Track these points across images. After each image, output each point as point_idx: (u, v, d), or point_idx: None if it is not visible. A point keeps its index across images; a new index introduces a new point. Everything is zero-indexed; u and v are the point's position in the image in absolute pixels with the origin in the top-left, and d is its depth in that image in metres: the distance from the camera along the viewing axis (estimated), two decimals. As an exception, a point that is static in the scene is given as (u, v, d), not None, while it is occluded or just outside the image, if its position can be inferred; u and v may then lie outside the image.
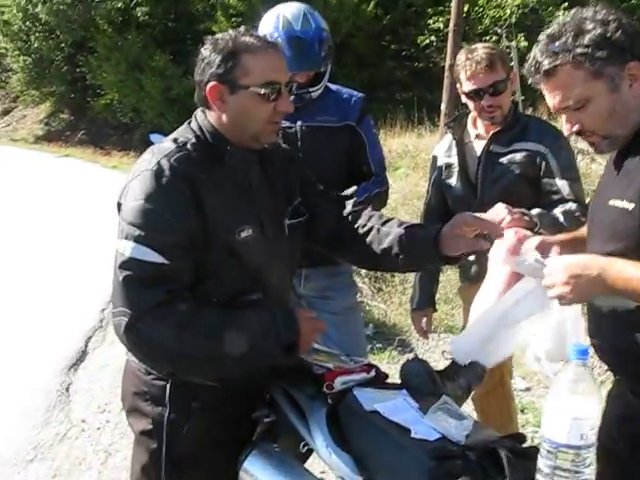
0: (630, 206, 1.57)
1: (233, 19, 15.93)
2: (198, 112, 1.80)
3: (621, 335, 1.63)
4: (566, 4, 14.07)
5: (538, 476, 1.33)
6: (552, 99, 1.64)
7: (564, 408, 1.29)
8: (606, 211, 1.68)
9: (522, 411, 3.75)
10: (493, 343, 1.87)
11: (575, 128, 1.64)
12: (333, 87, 2.84)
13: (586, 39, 1.55)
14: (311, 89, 2.69)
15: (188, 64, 17.40)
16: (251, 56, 1.70)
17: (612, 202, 1.64)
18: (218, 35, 1.78)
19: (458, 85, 2.62)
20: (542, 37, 1.63)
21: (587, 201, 2.43)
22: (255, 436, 1.82)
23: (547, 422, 1.31)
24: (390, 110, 11.74)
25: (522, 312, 1.85)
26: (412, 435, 1.54)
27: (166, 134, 1.90)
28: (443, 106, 8.53)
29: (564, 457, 1.29)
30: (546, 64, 1.59)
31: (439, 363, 4.53)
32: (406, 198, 7.43)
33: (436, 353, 4.86)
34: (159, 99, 17.44)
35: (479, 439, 1.55)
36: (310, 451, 1.82)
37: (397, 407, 1.64)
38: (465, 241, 1.84)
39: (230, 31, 1.78)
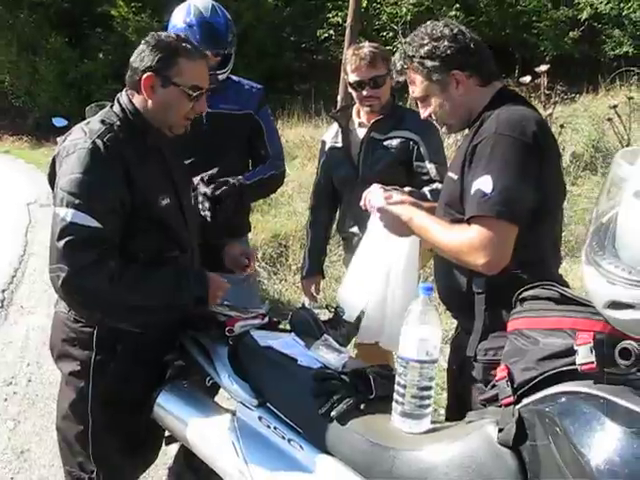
0: (455, 177, 2.01)
1: (132, 4, 15.77)
2: (122, 96, 2.07)
3: (449, 276, 2.05)
4: (457, 5, 14.79)
5: (396, 387, 1.70)
6: (410, 91, 2.12)
7: (413, 332, 1.67)
8: (446, 183, 2.13)
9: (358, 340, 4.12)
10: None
11: (426, 113, 2.12)
12: (235, 78, 3.16)
13: (422, 51, 2.03)
14: (219, 71, 2.99)
15: (85, 48, 17.09)
16: (187, 61, 2.01)
17: (449, 174, 2.10)
18: (162, 33, 2.09)
19: (345, 76, 3.00)
20: (405, 41, 2.11)
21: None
22: (167, 376, 2.12)
23: (401, 344, 1.68)
24: (288, 101, 12.01)
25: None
26: (298, 363, 1.88)
27: (68, 118, 2.19)
28: (339, 98, 8.87)
29: (414, 370, 1.66)
30: (398, 65, 2.10)
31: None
32: (302, 187, 7.67)
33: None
34: (54, 83, 16.94)
35: (353, 366, 1.91)
36: (216, 387, 2.14)
37: (287, 343, 1.99)
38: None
39: (172, 34, 2.10)
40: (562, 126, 5.04)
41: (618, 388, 1.42)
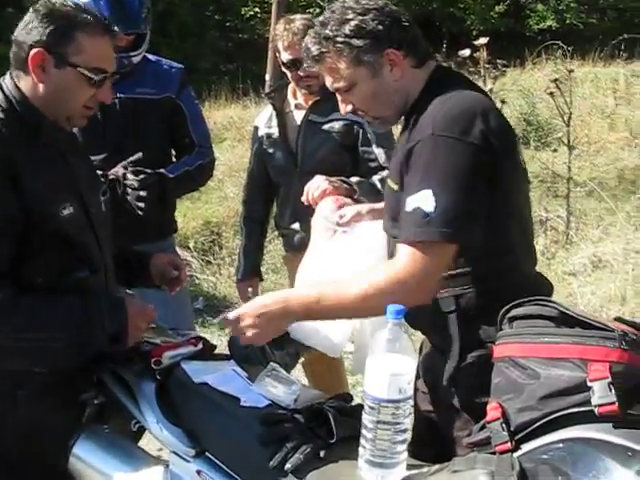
0: (395, 186, 1.69)
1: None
2: (6, 80, 1.67)
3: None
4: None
5: (363, 431, 1.40)
6: (326, 81, 1.75)
7: (382, 365, 1.36)
8: (386, 193, 1.80)
9: (352, 372, 3.90)
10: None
11: (348, 108, 1.75)
12: (152, 58, 2.76)
13: (346, 29, 1.65)
14: (132, 53, 2.59)
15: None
16: (88, 37, 1.62)
17: (388, 181, 1.76)
18: (57, 1, 1.67)
19: (278, 55, 2.65)
20: (315, 23, 1.73)
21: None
22: (84, 420, 1.76)
23: (368, 380, 1.38)
24: (214, 81, 11.59)
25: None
26: (242, 404, 1.56)
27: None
28: (268, 77, 8.58)
29: (385, 411, 1.35)
30: (314, 50, 1.69)
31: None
32: (232, 170, 7.42)
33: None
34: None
35: (307, 402, 1.60)
36: (144, 429, 1.80)
37: (226, 377, 1.66)
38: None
39: (70, 2, 1.69)
40: (503, 102, 4.84)
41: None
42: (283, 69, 2.65)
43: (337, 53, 1.67)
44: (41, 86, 1.63)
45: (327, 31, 1.66)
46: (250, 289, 3.01)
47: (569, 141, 5.33)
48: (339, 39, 1.65)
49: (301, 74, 2.59)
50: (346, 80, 1.69)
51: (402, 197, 1.60)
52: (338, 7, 1.69)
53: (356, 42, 1.65)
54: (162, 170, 2.54)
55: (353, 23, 1.65)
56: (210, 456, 1.54)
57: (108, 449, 1.68)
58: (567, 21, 14.50)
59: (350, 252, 2.02)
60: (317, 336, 1.95)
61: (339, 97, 1.75)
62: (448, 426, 1.72)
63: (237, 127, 9.27)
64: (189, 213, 6.23)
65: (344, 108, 1.75)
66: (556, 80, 4.82)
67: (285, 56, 2.59)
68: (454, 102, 1.62)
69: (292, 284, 3.01)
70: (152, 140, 2.67)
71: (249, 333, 1.59)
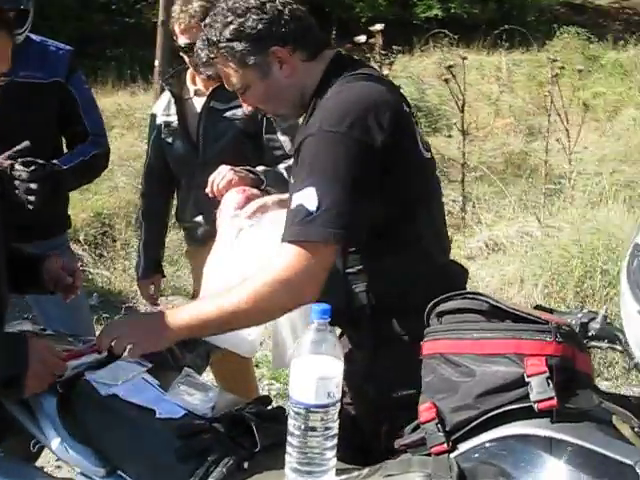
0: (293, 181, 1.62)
1: None
2: None
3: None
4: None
5: (289, 438, 1.31)
6: (225, 85, 1.71)
7: (309, 369, 1.28)
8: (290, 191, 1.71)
9: (257, 366, 3.82)
10: None
11: (249, 108, 1.75)
12: (36, 38, 2.54)
13: (227, 33, 1.60)
14: (15, 32, 2.35)
15: None
16: None
17: (291, 180, 1.67)
18: None
19: (174, 38, 2.50)
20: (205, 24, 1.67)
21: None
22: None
23: (294, 384, 1.29)
24: (101, 67, 11.12)
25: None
26: (157, 415, 1.44)
27: None
28: (157, 63, 8.24)
29: (314, 417, 1.27)
30: (203, 56, 1.66)
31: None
32: (122, 159, 7.14)
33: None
34: None
35: (225, 409, 1.50)
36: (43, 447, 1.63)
37: (136, 387, 1.53)
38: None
39: None
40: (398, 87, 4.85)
41: (583, 427, 1.13)
42: (180, 54, 2.50)
43: (223, 57, 1.63)
44: None
45: (212, 36, 1.62)
46: (152, 286, 2.85)
47: (463, 127, 5.42)
48: (222, 44, 1.61)
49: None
50: (238, 82, 1.65)
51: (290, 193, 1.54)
52: (220, 9, 1.63)
53: (238, 46, 1.60)
54: (55, 161, 2.34)
55: (232, 27, 1.60)
56: (123, 475, 1.40)
57: (5, 474, 1.51)
58: (452, 10, 14.91)
59: (258, 245, 1.92)
60: (230, 337, 1.85)
61: (240, 96, 1.70)
62: (367, 420, 1.67)
63: (125, 115, 8.98)
64: (78, 204, 5.90)
65: (245, 107, 1.75)
66: (450, 67, 4.87)
67: (182, 40, 2.44)
68: (345, 95, 1.56)
69: (196, 279, 2.88)
70: (40, 129, 2.46)
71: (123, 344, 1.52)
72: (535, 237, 4.94)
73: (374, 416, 1.66)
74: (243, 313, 1.49)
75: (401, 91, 1.79)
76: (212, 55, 1.64)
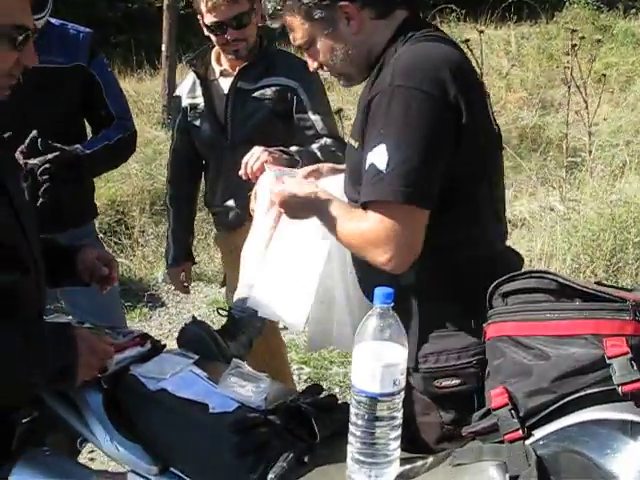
0: (356, 144, 1.56)
1: None
2: None
3: (367, 265, 1.58)
4: None
5: (352, 429, 1.25)
6: (291, 39, 1.65)
7: (373, 356, 1.22)
8: (347, 153, 1.67)
9: (307, 349, 3.76)
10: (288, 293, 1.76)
11: (314, 65, 1.66)
12: (56, 22, 2.45)
13: None
14: (36, 15, 2.26)
15: None
16: None
17: (350, 141, 1.63)
18: None
19: (199, 17, 2.41)
20: None
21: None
22: (15, 443, 1.51)
23: (357, 372, 1.23)
24: (107, 54, 11.03)
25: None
26: (210, 410, 1.38)
27: None
28: (164, 47, 8.18)
29: (380, 406, 1.22)
30: (269, 8, 1.61)
31: (196, 312, 4.42)
32: (133, 146, 7.08)
33: (188, 304, 4.73)
34: None
35: (279, 400, 1.44)
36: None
37: (185, 381, 1.47)
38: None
39: None
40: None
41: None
42: (207, 32, 2.42)
43: (290, 10, 1.57)
44: None
45: None
46: (183, 273, 2.79)
47: (481, 102, 5.30)
48: None
49: (228, 37, 2.36)
50: (304, 37, 1.59)
51: (363, 155, 1.46)
52: None
53: None
54: (77, 146, 2.28)
55: None
56: (176, 472, 1.35)
57: (54, 475, 1.46)
58: (458, -16, 14.68)
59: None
60: (279, 308, 1.79)
61: (305, 53, 1.65)
62: (408, 409, 1.61)
63: (134, 101, 8.89)
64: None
65: (311, 64, 1.66)
66: (467, 41, 4.77)
67: (209, 19, 2.35)
68: (418, 52, 1.48)
69: (226, 264, 2.82)
70: (64, 115, 2.39)
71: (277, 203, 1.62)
72: (558, 212, 4.86)
73: (415, 405, 1.58)
74: (349, 247, 1.55)
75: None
76: (278, 7, 1.58)
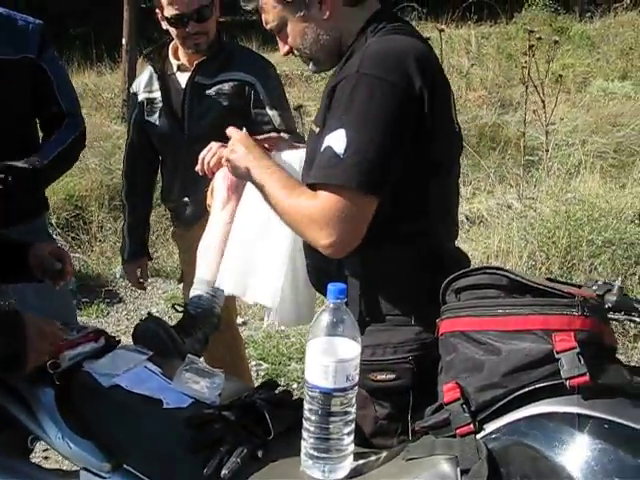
0: (317, 129, 1.56)
1: None
2: None
3: (315, 253, 1.56)
4: None
5: (305, 424, 1.26)
6: (263, 21, 1.64)
7: (326, 352, 1.22)
8: (309, 138, 1.67)
9: (278, 324, 3.74)
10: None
11: (284, 49, 1.65)
12: (2, 11, 2.34)
13: None
14: None
15: None
16: None
17: (312, 127, 1.63)
18: None
19: (158, 11, 2.38)
20: None
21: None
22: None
23: (311, 368, 1.23)
24: (65, 46, 10.84)
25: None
26: (164, 406, 1.37)
27: None
28: (124, 41, 8.06)
29: (333, 402, 1.22)
30: None
31: (154, 309, 4.39)
32: (92, 140, 6.96)
33: (146, 300, 4.69)
34: None
35: (233, 396, 1.44)
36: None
37: (139, 377, 1.46)
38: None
39: None
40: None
41: (616, 403, 1.09)
42: (166, 26, 2.39)
43: None
44: None
45: None
46: (139, 270, 2.77)
47: (440, 100, 5.34)
48: None
49: (189, 31, 2.34)
50: (275, 19, 1.59)
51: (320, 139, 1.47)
52: None
53: None
54: (33, 158, 2.21)
55: None
56: (130, 469, 1.34)
57: (4, 475, 1.44)
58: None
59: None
60: (250, 288, 1.78)
61: (277, 36, 1.64)
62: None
63: (93, 94, 8.81)
64: (49, 187, 5.77)
65: (281, 47, 1.65)
66: (428, 39, 4.77)
67: (170, 11, 2.32)
68: (387, 43, 1.48)
69: (183, 261, 2.79)
70: (14, 110, 2.30)
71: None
72: (515, 209, 4.93)
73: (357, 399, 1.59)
74: (286, 220, 1.49)
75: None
76: None
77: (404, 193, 1.48)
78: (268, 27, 1.63)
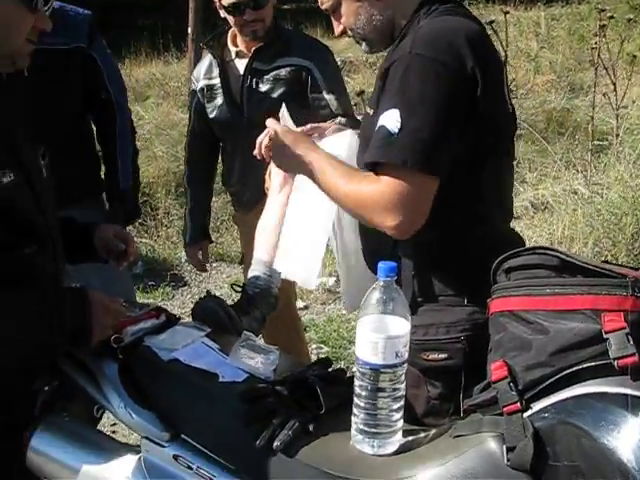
0: (371, 111, 1.58)
1: None
2: None
3: (369, 233, 1.61)
4: None
5: (356, 400, 1.29)
6: (319, 2, 1.68)
7: (376, 329, 1.25)
8: (363, 121, 1.70)
9: (304, 329, 3.81)
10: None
11: (339, 28, 1.67)
12: (55, 4, 2.44)
13: None
14: (38, 6, 2.26)
15: None
16: None
17: (367, 109, 1.65)
18: None
19: (216, 0, 2.44)
20: None
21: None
22: (37, 409, 1.58)
23: (361, 344, 1.26)
24: (134, 37, 11.10)
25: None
26: (220, 379, 1.42)
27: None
28: (190, 30, 8.19)
29: (382, 377, 1.25)
30: None
31: (217, 292, 4.48)
32: (159, 128, 7.17)
33: (210, 283, 4.80)
34: None
35: (287, 371, 1.48)
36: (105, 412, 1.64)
37: (197, 352, 1.51)
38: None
39: None
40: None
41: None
42: (224, 14, 2.45)
43: None
44: None
45: None
46: (200, 252, 2.85)
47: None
48: None
49: (246, 18, 2.40)
50: (329, 0, 1.63)
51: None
52: None
53: None
54: (120, 189, 2.49)
55: None
56: (187, 439, 1.40)
57: (72, 440, 1.51)
58: (488, -36, 14.48)
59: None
60: (292, 267, 1.82)
61: (332, 17, 1.68)
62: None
63: (160, 84, 8.99)
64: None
65: (336, 27, 1.68)
66: (492, 22, 4.72)
67: (227, 0, 2.39)
68: (440, 25, 1.49)
69: (244, 243, 2.86)
70: (64, 98, 2.40)
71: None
72: (582, 195, 4.82)
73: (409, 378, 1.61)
74: (347, 206, 1.52)
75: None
76: None
77: (458, 174, 1.48)
78: (323, 7, 1.67)
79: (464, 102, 1.44)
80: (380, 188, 1.42)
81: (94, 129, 2.67)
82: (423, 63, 1.42)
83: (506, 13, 4.97)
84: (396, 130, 1.39)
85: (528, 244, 3.92)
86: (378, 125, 1.44)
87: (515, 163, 5.15)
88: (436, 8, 1.54)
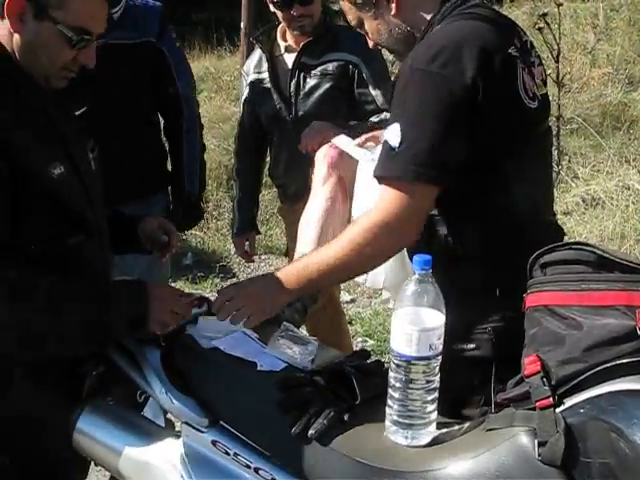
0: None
1: None
2: None
3: None
4: None
5: (390, 391, 1.31)
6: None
7: (411, 321, 1.27)
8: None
9: (350, 322, 3.84)
10: None
11: (371, 43, 1.72)
12: None
13: None
14: (112, 10, 2.28)
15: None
16: None
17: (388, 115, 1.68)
18: None
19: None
20: None
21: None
22: (84, 392, 1.64)
23: (395, 336, 1.28)
24: (188, 31, 11.26)
25: None
26: (258, 368, 1.46)
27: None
28: (243, 25, 8.27)
29: (415, 369, 1.27)
30: None
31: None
32: (212, 122, 7.24)
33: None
34: None
35: (325, 362, 1.51)
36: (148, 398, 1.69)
37: (237, 341, 1.55)
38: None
39: None
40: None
41: None
42: (273, 9, 2.48)
43: None
44: (17, 37, 1.43)
45: None
46: (247, 244, 2.90)
47: (558, 78, 5.18)
48: None
49: (294, 13, 2.43)
50: (354, 18, 1.67)
51: None
52: None
53: None
54: (186, 189, 2.54)
55: None
56: (225, 425, 1.44)
57: (116, 422, 1.57)
58: (544, -45, 14.19)
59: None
60: None
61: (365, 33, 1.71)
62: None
63: (213, 78, 9.08)
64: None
65: (369, 42, 1.73)
66: (544, 15, 4.65)
67: None
68: (439, 34, 1.52)
69: (289, 236, 2.90)
70: (133, 91, 2.44)
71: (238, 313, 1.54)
72: (636, 191, 4.72)
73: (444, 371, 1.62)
74: (345, 263, 1.50)
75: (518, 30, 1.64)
76: None
77: (476, 174, 1.49)
78: (352, 24, 1.71)
79: (464, 110, 1.45)
80: (385, 205, 1.47)
81: (161, 123, 2.70)
82: (421, 77, 1.46)
83: (559, 5, 4.87)
84: (396, 144, 1.44)
85: (578, 240, 3.85)
86: (383, 139, 1.50)
87: (567, 158, 5.06)
88: (449, 12, 1.55)
